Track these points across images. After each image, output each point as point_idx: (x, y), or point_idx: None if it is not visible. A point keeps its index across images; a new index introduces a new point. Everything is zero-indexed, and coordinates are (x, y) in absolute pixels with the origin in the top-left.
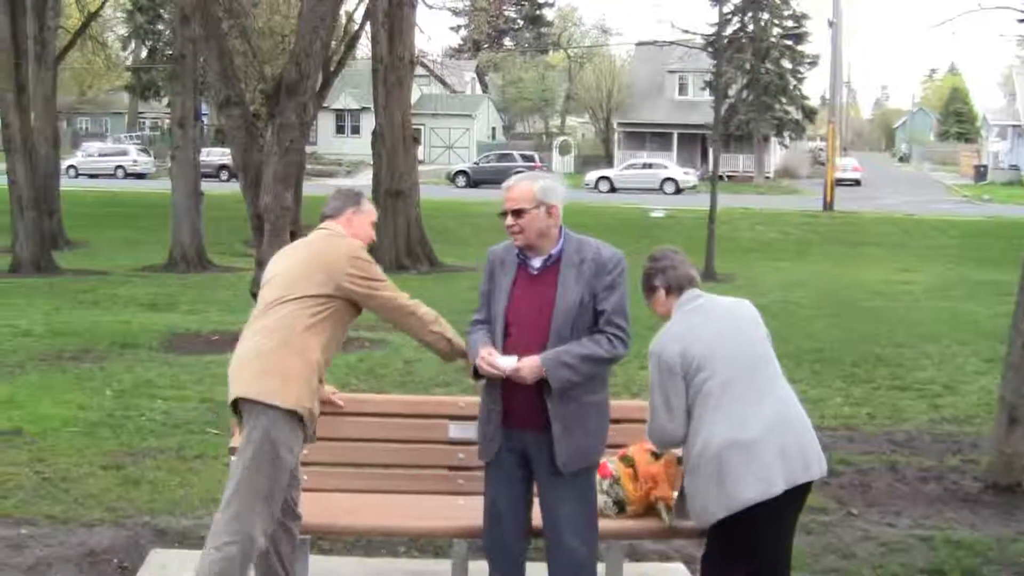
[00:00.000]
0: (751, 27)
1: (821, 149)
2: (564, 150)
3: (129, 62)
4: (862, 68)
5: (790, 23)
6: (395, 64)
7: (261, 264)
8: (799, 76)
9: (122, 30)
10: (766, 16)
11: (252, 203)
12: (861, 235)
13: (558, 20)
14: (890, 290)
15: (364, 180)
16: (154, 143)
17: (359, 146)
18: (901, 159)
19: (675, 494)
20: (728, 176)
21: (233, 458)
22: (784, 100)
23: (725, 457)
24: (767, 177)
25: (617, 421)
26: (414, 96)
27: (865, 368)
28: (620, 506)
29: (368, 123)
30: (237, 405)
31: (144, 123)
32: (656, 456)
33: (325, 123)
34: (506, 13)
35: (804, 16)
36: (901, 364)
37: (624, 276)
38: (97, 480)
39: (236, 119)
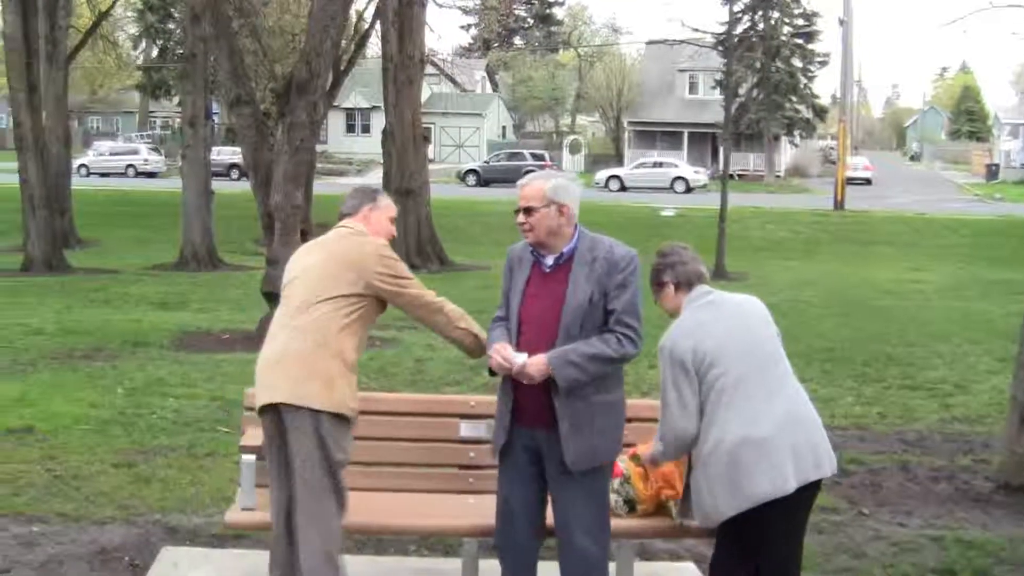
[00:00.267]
0: (761, 26)
1: (832, 148)
2: (574, 149)
3: (140, 61)
4: (873, 66)
5: (801, 21)
6: (405, 63)
7: (272, 263)
8: (810, 75)
9: (133, 29)
10: (776, 15)
11: (263, 202)
12: (872, 234)
13: (568, 19)
14: (901, 289)
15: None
16: (165, 142)
17: (369, 145)
18: (912, 158)
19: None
20: (739, 175)
21: (257, 461)
22: (795, 99)
23: (737, 454)
24: (778, 176)
25: (628, 420)
26: (424, 95)
27: (876, 367)
28: (631, 505)
29: (378, 122)
30: (265, 407)
31: (155, 122)
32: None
33: (335, 122)
34: (516, 12)
35: (815, 15)
36: (912, 363)
37: (636, 275)
38: (108, 478)
39: (247, 118)
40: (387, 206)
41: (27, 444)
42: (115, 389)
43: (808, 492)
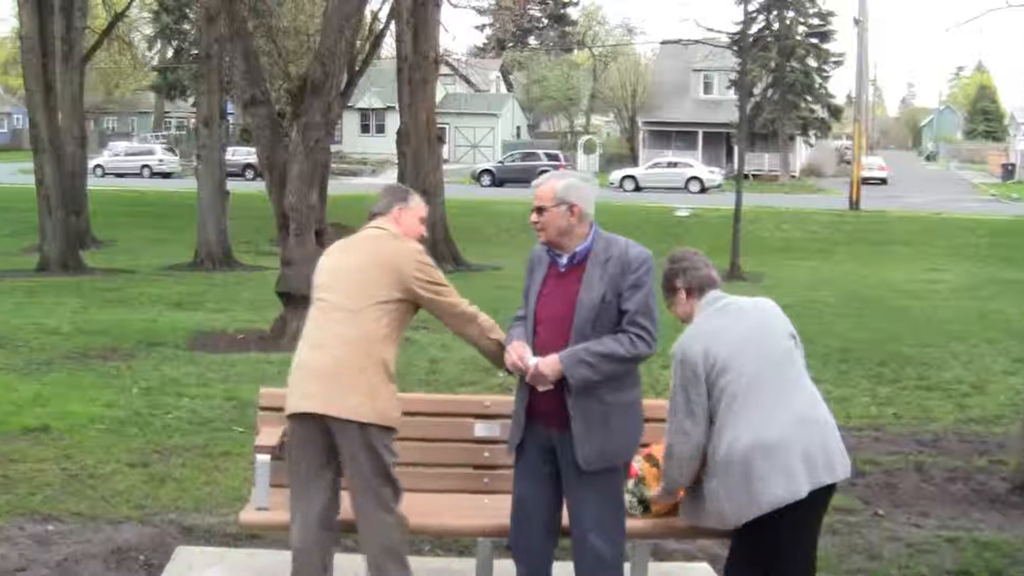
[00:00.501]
0: (776, 25)
1: (847, 148)
2: (589, 149)
3: (155, 62)
4: (888, 66)
5: (815, 21)
6: (420, 63)
7: (287, 263)
8: (824, 74)
9: (148, 30)
10: (791, 14)
11: (277, 202)
12: (887, 234)
13: (583, 19)
14: (917, 289)
15: (389, 179)
16: (180, 142)
17: (384, 145)
18: (928, 157)
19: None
20: (753, 175)
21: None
22: (810, 98)
23: (751, 459)
24: (793, 176)
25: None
26: (439, 95)
27: (891, 368)
28: (645, 506)
29: (393, 122)
30: (304, 414)
31: (170, 122)
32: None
33: (350, 122)
34: (530, 12)
35: (830, 14)
36: (928, 364)
37: (650, 276)
38: (124, 477)
39: (261, 118)
40: (418, 206)
41: (43, 444)
42: (130, 389)
43: (822, 495)
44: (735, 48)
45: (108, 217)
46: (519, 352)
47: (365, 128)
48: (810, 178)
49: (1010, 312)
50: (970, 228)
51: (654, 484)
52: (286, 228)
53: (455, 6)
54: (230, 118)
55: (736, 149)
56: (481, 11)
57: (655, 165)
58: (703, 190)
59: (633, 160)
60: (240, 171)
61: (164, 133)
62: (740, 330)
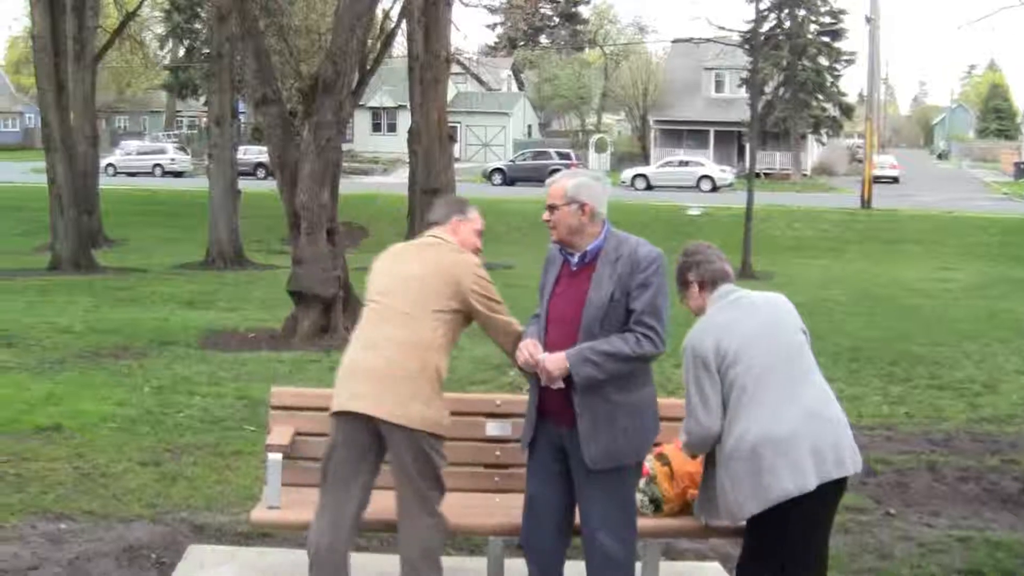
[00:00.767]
0: (788, 24)
1: (859, 146)
2: (600, 148)
3: (167, 61)
4: (900, 64)
5: (827, 19)
6: (431, 62)
7: (298, 262)
8: (836, 73)
9: (160, 29)
10: (803, 12)
11: (289, 201)
12: (899, 233)
13: (594, 17)
14: (928, 288)
15: (400, 178)
16: (192, 141)
17: (395, 144)
18: (940, 156)
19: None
20: (765, 174)
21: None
22: (821, 97)
23: (760, 452)
24: (804, 175)
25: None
26: (450, 94)
27: (903, 367)
28: (656, 505)
29: (404, 121)
30: (353, 413)
31: (182, 121)
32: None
33: (361, 121)
34: (542, 10)
35: (841, 12)
36: (939, 363)
37: (659, 275)
38: (135, 476)
39: (273, 117)
40: (475, 219)
41: (55, 442)
42: (142, 387)
43: (831, 490)
44: (747, 47)
45: (120, 216)
46: (530, 350)
47: (377, 127)
48: (822, 177)
49: (1021, 311)
50: (982, 227)
51: (666, 484)
52: (297, 227)
53: (467, 5)
54: (242, 117)
55: (748, 148)
56: (493, 10)
57: (667, 164)
58: (714, 189)
59: (645, 159)
60: (252, 170)
61: (176, 132)
62: (751, 324)
